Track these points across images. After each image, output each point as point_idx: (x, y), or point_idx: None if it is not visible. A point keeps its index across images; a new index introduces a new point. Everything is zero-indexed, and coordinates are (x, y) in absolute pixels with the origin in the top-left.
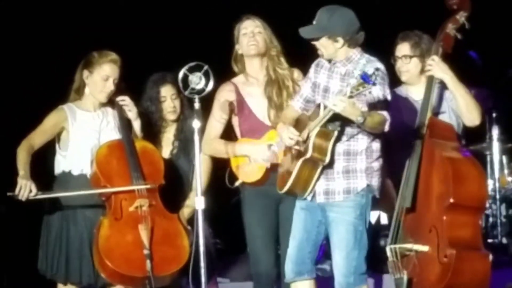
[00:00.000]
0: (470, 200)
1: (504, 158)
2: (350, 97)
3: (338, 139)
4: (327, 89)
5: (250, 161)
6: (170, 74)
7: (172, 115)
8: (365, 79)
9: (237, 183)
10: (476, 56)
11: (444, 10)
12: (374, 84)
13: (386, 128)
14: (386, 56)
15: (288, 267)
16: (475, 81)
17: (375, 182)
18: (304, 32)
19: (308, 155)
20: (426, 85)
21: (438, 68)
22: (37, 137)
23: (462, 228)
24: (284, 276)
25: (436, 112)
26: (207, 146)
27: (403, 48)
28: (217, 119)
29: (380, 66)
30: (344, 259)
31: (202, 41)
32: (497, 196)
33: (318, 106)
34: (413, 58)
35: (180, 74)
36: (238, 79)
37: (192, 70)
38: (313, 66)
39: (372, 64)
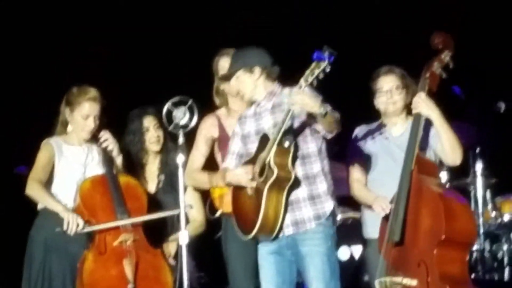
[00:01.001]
0: (460, 236)
1: (488, 193)
2: (307, 85)
3: (295, 157)
4: (259, 131)
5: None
6: (151, 107)
7: (156, 146)
8: (319, 57)
9: (218, 214)
10: (459, 91)
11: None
12: (330, 58)
13: (340, 126)
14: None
15: None
16: (458, 116)
17: (334, 201)
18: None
19: (274, 175)
20: (413, 122)
21: (426, 106)
22: (42, 174)
23: (452, 264)
24: None
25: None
26: (189, 177)
27: (390, 80)
28: (200, 151)
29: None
30: None
31: (185, 74)
32: (481, 231)
33: (262, 139)
34: (404, 89)
35: (164, 110)
36: (221, 112)
37: (176, 104)
38: (237, 123)
39: (295, 87)
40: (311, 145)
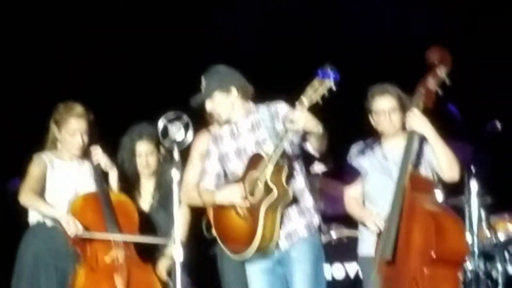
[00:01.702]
0: (451, 254)
1: (483, 213)
2: (311, 104)
3: (289, 176)
4: (239, 150)
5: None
6: (148, 128)
7: (146, 170)
8: (325, 74)
9: (214, 232)
10: (456, 110)
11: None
12: (336, 77)
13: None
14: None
15: None
16: (454, 135)
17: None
18: (195, 99)
19: (275, 194)
20: (407, 138)
21: (420, 122)
22: (35, 184)
23: (443, 282)
24: None
25: (413, 165)
26: (185, 195)
27: (386, 101)
28: (195, 169)
29: (280, 103)
30: None
31: (181, 88)
32: (475, 251)
33: (253, 158)
34: (399, 111)
35: (160, 126)
36: (214, 128)
37: (171, 120)
38: (210, 143)
39: (274, 104)
40: (294, 162)
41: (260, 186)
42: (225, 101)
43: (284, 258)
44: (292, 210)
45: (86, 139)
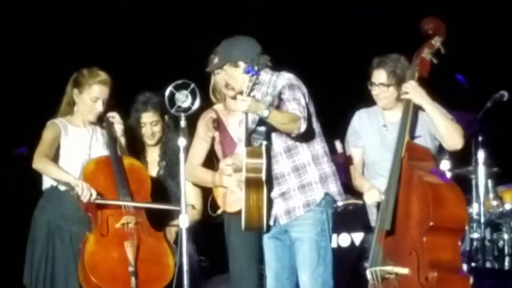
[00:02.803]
0: (449, 222)
1: (490, 182)
2: (248, 94)
3: (269, 153)
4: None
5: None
6: (155, 97)
7: (150, 141)
8: (248, 71)
9: (219, 212)
10: (463, 80)
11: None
12: (257, 73)
13: (303, 126)
14: (363, 79)
15: None
16: (461, 105)
17: (333, 188)
18: (209, 67)
19: (244, 177)
20: (403, 109)
21: (416, 93)
22: (48, 149)
23: (442, 251)
24: None
25: (412, 136)
26: (189, 174)
27: (379, 76)
28: (200, 147)
29: (290, 76)
30: (309, 278)
31: (190, 59)
32: (482, 220)
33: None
34: (390, 87)
35: (167, 92)
36: (219, 108)
37: (178, 88)
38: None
39: (282, 77)
40: (287, 137)
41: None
42: (234, 74)
43: (287, 233)
44: (293, 187)
45: (105, 107)
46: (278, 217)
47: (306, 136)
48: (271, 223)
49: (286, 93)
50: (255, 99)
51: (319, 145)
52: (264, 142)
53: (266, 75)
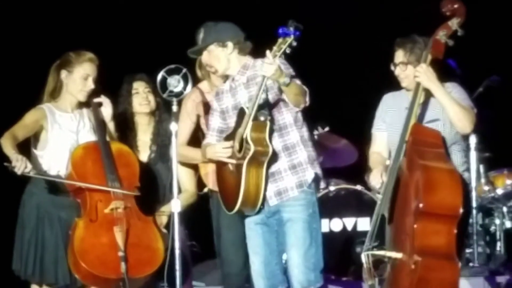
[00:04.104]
0: (441, 208)
1: (481, 167)
2: (274, 57)
3: (271, 131)
4: (236, 106)
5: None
6: (147, 75)
7: (145, 108)
8: (285, 32)
9: (205, 190)
10: (455, 65)
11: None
12: (295, 33)
13: (308, 101)
14: (386, 62)
15: (260, 284)
16: None
17: (319, 170)
18: (192, 50)
19: (251, 151)
20: (413, 91)
21: (425, 77)
22: (19, 130)
23: (433, 237)
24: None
25: (430, 120)
26: (176, 153)
27: (399, 55)
28: (185, 126)
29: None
30: (302, 257)
31: (181, 43)
32: (474, 205)
33: (240, 113)
34: (409, 65)
35: (159, 77)
36: (203, 86)
37: (170, 72)
38: (213, 99)
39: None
40: (287, 115)
41: (244, 142)
42: (221, 55)
43: (276, 215)
44: (283, 167)
45: (94, 85)
46: (267, 198)
47: (297, 118)
48: (262, 206)
49: (286, 68)
50: (278, 65)
51: (304, 128)
52: (269, 118)
53: (249, 61)
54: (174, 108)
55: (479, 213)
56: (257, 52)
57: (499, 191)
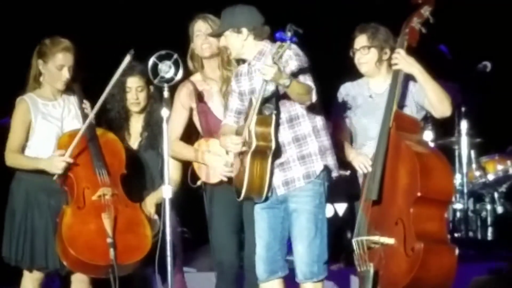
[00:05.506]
0: (437, 193)
1: (472, 153)
2: (274, 62)
3: (277, 124)
4: (253, 90)
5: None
6: (140, 65)
7: (135, 107)
8: (281, 38)
9: (198, 183)
10: (447, 50)
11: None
12: (291, 39)
13: (314, 97)
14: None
15: (260, 268)
16: (445, 76)
17: (331, 161)
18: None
19: (253, 146)
20: (391, 79)
21: (405, 62)
22: (16, 142)
23: (429, 222)
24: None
25: (399, 105)
26: (169, 148)
27: (361, 40)
28: (178, 121)
29: (293, 45)
30: (306, 249)
31: (172, 29)
32: (465, 191)
33: (250, 104)
34: (371, 49)
35: (150, 63)
36: (196, 78)
37: (161, 58)
38: (233, 79)
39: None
40: (298, 106)
41: (250, 134)
42: (236, 40)
43: (284, 204)
44: (292, 157)
45: (71, 74)
46: (276, 187)
47: (309, 107)
48: (268, 195)
49: (294, 64)
50: (279, 68)
51: (319, 117)
52: (275, 112)
53: (266, 46)
54: (165, 94)
55: (470, 198)
56: None
57: (490, 177)
